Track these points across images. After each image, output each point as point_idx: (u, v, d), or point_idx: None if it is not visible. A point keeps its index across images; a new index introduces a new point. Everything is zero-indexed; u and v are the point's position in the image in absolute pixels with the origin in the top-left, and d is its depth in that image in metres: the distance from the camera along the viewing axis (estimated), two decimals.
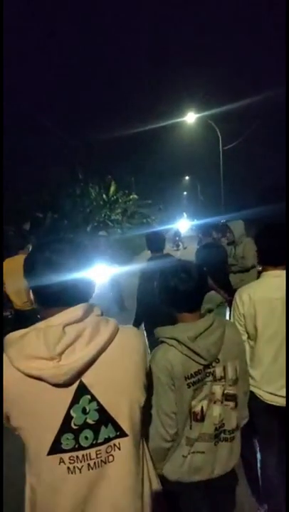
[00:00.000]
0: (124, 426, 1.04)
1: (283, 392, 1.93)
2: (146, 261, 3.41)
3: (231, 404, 1.52)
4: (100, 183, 20.72)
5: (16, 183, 13.24)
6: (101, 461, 1.01)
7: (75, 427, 0.98)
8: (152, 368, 1.42)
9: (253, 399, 1.88)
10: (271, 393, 1.96)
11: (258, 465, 2.15)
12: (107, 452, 1.02)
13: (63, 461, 0.98)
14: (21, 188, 13.71)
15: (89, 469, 1.00)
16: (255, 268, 4.57)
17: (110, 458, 1.03)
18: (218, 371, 1.48)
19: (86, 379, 0.99)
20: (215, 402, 1.49)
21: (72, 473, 0.98)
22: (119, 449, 1.03)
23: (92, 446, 1.00)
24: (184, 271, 1.48)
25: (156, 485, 1.20)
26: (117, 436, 1.03)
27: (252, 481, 2.36)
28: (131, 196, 23.77)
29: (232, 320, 2.12)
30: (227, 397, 1.51)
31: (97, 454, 1.01)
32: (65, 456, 0.98)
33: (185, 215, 53.09)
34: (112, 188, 21.33)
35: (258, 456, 2.14)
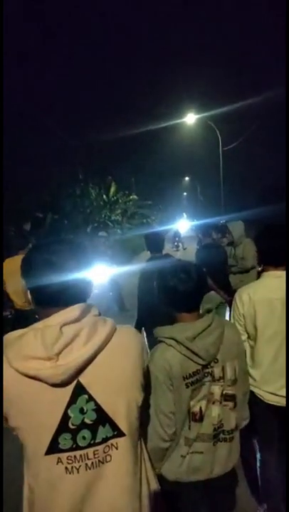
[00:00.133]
0: (122, 426, 1.04)
1: (283, 392, 1.93)
2: (145, 261, 3.42)
3: (230, 404, 1.52)
4: (100, 184, 20.74)
5: (16, 183, 13.25)
6: (98, 461, 1.01)
7: (72, 427, 0.98)
8: (150, 368, 1.42)
9: (253, 399, 1.88)
10: (271, 393, 1.96)
11: (258, 465, 2.15)
12: (104, 452, 1.02)
13: (61, 461, 0.98)
14: (22, 188, 13.72)
15: (87, 469, 1.00)
16: (255, 269, 4.56)
17: (108, 458, 1.03)
18: (217, 371, 1.48)
19: (83, 379, 0.99)
20: (214, 403, 1.49)
21: (70, 473, 0.98)
22: (116, 448, 1.04)
23: (89, 446, 1.00)
24: (183, 271, 1.48)
25: (155, 485, 1.20)
26: (114, 436, 1.03)
27: (252, 481, 2.36)
28: (131, 197, 23.79)
29: (232, 320, 2.12)
30: (226, 397, 1.51)
31: (94, 454, 1.01)
32: (63, 456, 0.98)
33: (185, 215, 53.05)
34: (113, 189, 21.35)
35: (258, 456, 2.14)
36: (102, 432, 1.02)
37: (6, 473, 2.44)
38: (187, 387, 1.41)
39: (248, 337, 2.07)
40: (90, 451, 1.00)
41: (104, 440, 1.02)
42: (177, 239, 19.45)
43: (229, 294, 4.29)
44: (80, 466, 0.99)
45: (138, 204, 24.70)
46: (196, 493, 1.56)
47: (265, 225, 2.17)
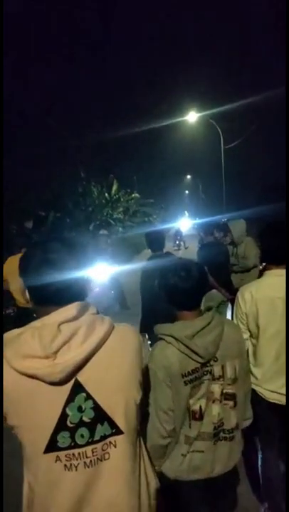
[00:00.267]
0: (120, 423, 1.04)
1: (285, 391, 1.93)
2: (146, 260, 3.42)
3: (230, 403, 1.52)
4: (102, 182, 20.77)
5: (18, 182, 13.28)
6: (97, 459, 1.02)
7: (71, 425, 0.98)
8: (150, 365, 1.42)
9: (255, 397, 1.88)
10: (273, 391, 1.96)
11: (259, 464, 2.15)
12: (103, 450, 1.03)
13: (60, 459, 0.98)
14: (24, 187, 13.74)
15: (85, 467, 1.00)
16: (257, 268, 4.55)
17: (106, 455, 1.03)
18: (217, 370, 1.48)
19: (81, 377, 0.99)
20: (214, 401, 1.48)
21: (68, 470, 0.99)
22: (115, 446, 1.04)
23: (88, 444, 1.00)
24: (184, 269, 1.48)
25: (154, 482, 1.20)
26: (112, 434, 1.03)
27: (253, 480, 2.36)
28: (133, 195, 23.81)
29: (234, 319, 2.12)
30: (226, 396, 1.50)
31: (93, 452, 1.01)
32: (62, 454, 0.98)
33: (187, 213, 53.00)
34: (114, 187, 21.37)
35: (260, 454, 2.15)
36: (101, 430, 1.02)
37: (6, 472, 2.45)
38: (186, 384, 1.41)
39: (251, 335, 2.06)
40: (89, 449, 1.00)
41: (103, 438, 1.02)
42: (179, 237, 19.28)
43: (231, 292, 4.31)
44: (78, 463, 1.00)
45: (140, 202, 24.72)
46: (197, 492, 1.56)
47: (266, 224, 2.16)
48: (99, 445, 1.02)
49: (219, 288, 4.30)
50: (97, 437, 1.01)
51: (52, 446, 0.98)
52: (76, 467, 0.99)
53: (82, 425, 1.00)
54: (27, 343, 0.94)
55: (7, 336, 1.00)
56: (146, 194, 26.46)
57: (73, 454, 0.99)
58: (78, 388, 0.99)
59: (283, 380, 1.94)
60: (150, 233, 3.47)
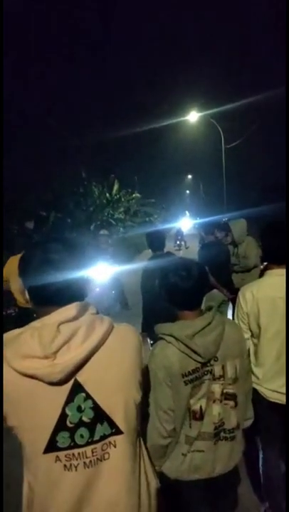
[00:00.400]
0: (120, 423, 1.04)
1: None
2: (147, 260, 3.43)
3: (231, 403, 1.52)
4: (103, 182, 20.77)
5: (19, 182, 13.30)
6: (97, 459, 1.02)
7: (70, 425, 0.98)
8: (150, 364, 1.42)
9: (256, 397, 1.88)
10: (274, 391, 1.96)
11: (260, 463, 2.15)
12: (102, 450, 1.02)
13: (59, 459, 0.98)
14: (25, 187, 13.76)
15: (85, 467, 1.00)
16: (257, 268, 4.54)
17: (106, 455, 1.03)
18: (217, 370, 1.47)
19: (81, 377, 0.99)
20: (214, 401, 1.48)
21: (68, 470, 0.99)
22: (114, 446, 1.04)
23: (88, 444, 1.00)
24: (184, 269, 1.48)
25: (154, 482, 1.20)
26: (112, 434, 1.03)
27: (254, 479, 2.36)
28: (134, 195, 23.81)
29: (236, 318, 2.11)
30: (226, 396, 1.50)
31: (93, 452, 1.01)
32: (61, 454, 0.98)
33: (187, 213, 52.98)
34: (115, 187, 21.37)
35: (260, 454, 2.14)
36: (100, 430, 1.02)
37: (6, 472, 2.45)
38: (186, 384, 1.41)
39: (252, 335, 2.06)
40: (89, 449, 1.00)
41: (103, 438, 1.02)
42: (179, 237, 19.17)
43: (232, 292, 4.30)
44: (78, 464, 0.99)
45: (141, 202, 24.72)
46: (197, 492, 1.56)
47: (267, 223, 2.16)
48: (99, 445, 1.02)
49: (220, 288, 4.29)
50: (96, 437, 1.01)
51: (51, 447, 0.97)
52: (76, 467, 0.99)
53: (82, 425, 1.00)
54: (26, 343, 0.94)
55: (7, 336, 1.00)
56: (147, 194, 26.46)
57: (73, 454, 0.99)
58: (78, 388, 0.99)
59: (284, 380, 1.94)
60: (151, 233, 3.48)
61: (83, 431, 1.00)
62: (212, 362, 1.46)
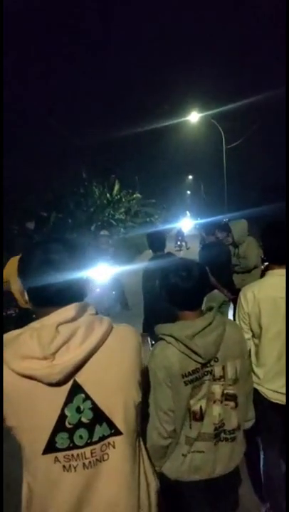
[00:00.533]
0: (119, 424, 1.04)
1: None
2: (148, 260, 3.43)
3: (231, 404, 1.51)
4: (104, 183, 20.78)
5: (20, 182, 13.31)
6: (96, 459, 1.01)
7: (69, 426, 0.98)
8: (150, 365, 1.42)
9: (257, 397, 1.87)
10: (275, 391, 1.95)
11: (261, 463, 2.14)
12: (102, 451, 1.02)
13: (58, 460, 0.98)
14: (25, 188, 13.77)
15: (84, 468, 1.00)
16: (258, 268, 4.53)
17: (105, 456, 1.03)
18: (217, 370, 1.47)
19: (80, 378, 0.99)
20: (214, 402, 1.48)
21: (67, 471, 0.99)
22: (114, 447, 1.03)
23: (87, 445, 1.00)
24: (185, 269, 1.47)
25: (154, 483, 1.19)
26: (111, 435, 1.03)
27: (255, 480, 2.35)
28: (134, 195, 23.83)
29: (237, 319, 2.11)
30: (227, 396, 1.50)
31: (92, 453, 1.01)
32: (60, 455, 0.98)
33: (188, 214, 52.97)
34: (116, 188, 21.38)
35: (261, 454, 2.14)
36: (99, 430, 1.01)
37: (6, 472, 2.45)
38: (186, 385, 1.41)
39: (253, 335, 2.06)
40: (88, 450, 1.00)
41: (102, 439, 1.02)
42: (180, 238, 19.10)
43: (232, 292, 4.30)
44: (77, 464, 0.99)
45: (141, 203, 24.74)
46: (197, 493, 1.56)
47: (268, 223, 2.15)
48: (98, 446, 1.02)
49: (221, 288, 4.29)
50: (95, 438, 1.01)
51: (51, 447, 0.97)
52: (75, 468, 0.99)
53: (81, 426, 0.99)
54: (26, 343, 0.94)
55: (6, 336, 1.00)
56: (148, 194, 26.49)
57: (72, 455, 0.99)
58: (77, 389, 0.99)
59: (285, 380, 1.94)
60: (151, 234, 3.48)
61: (82, 432, 1.00)
62: (212, 362, 1.46)
